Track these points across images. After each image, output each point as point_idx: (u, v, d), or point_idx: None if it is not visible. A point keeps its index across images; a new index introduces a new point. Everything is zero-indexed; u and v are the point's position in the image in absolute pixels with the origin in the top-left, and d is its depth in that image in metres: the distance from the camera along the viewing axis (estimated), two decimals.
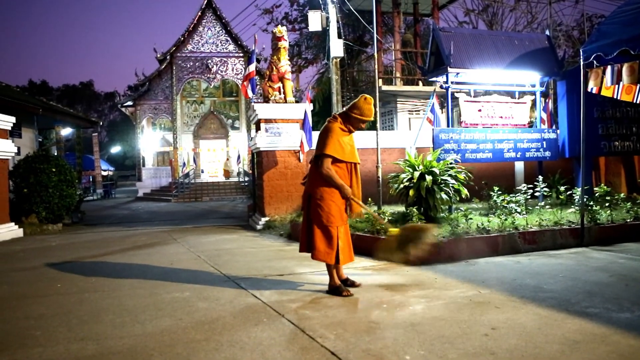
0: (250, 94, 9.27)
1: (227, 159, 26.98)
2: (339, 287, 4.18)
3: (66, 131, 20.53)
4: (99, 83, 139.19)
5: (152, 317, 3.64)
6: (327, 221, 4.09)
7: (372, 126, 9.05)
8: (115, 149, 50.81)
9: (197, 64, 26.19)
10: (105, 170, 31.73)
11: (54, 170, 10.26)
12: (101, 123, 28.39)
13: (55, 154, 16.91)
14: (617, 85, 6.85)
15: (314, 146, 9.25)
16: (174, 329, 3.37)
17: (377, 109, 9.64)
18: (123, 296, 4.31)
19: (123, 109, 29.13)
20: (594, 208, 6.64)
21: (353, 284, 4.39)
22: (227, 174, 26.69)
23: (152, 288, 4.59)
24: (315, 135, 9.48)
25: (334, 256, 4.10)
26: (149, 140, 28.33)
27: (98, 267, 5.84)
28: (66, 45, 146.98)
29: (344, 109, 4.40)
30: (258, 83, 17.27)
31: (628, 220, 6.71)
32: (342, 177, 4.17)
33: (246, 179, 23.95)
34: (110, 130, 58.05)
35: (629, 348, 2.82)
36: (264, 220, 9.26)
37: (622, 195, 7.30)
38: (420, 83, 15.94)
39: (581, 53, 6.28)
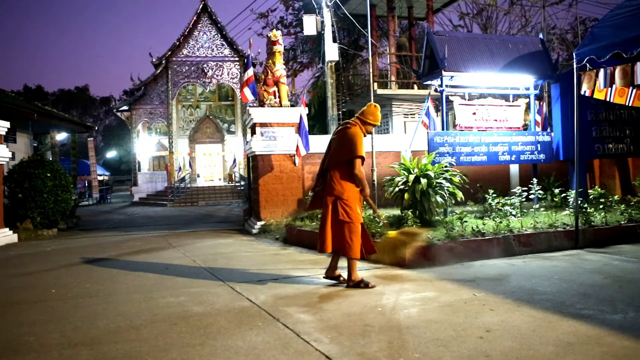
0: (250, 97, 9.25)
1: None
2: (362, 281, 4.43)
3: (61, 136, 20.43)
4: (95, 88, 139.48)
5: (147, 322, 3.63)
6: (356, 220, 4.45)
7: None
8: (111, 154, 50.63)
9: (192, 68, 26.15)
10: (101, 175, 31.60)
11: (48, 175, 10.22)
12: (97, 128, 28.34)
13: (51, 159, 16.85)
14: (610, 88, 6.90)
15: (311, 150, 9.31)
16: (168, 333, 3.36)
17: None
18: (118, 301, 4.30)
19: (119, 114, 29.07)
20: (589, 210, 6.68)
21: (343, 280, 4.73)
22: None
23: (147, 293, 4.58)
24: (312, 139, 9.55)
25: (359, 250, 4.46)
26: (144, 145, 28.25)
27: (93, 272, 5.82)
28: (61, 50, 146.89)
29: (358, 115, 4.72)
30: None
31: (622, 222, 6.74)
32: (351, 176, 4.53)
33: (242, 183, 23.92)
34: (105, 135, 57.85)
35: (623, 349, 2.83)
36: (259, 224, 9.25)
37: (616, 197, 7.33)
38: (416, 86, 15.98)
39: (574, 56, 6.33)
